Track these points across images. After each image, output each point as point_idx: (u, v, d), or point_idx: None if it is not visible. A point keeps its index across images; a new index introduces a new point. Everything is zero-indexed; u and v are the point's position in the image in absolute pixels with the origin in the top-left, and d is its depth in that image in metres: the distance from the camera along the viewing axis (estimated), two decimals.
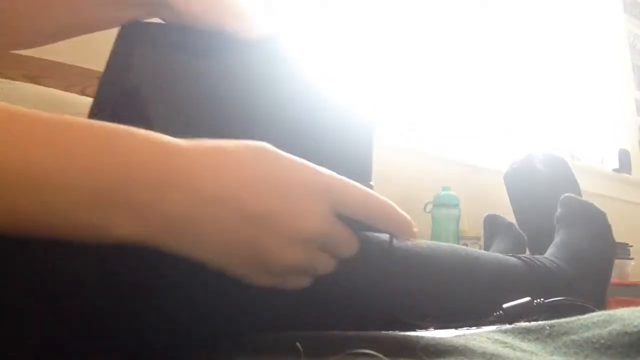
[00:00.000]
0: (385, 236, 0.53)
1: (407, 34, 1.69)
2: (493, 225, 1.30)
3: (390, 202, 0.39)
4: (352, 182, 0.38)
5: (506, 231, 1.26)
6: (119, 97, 0.50)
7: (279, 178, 0.35)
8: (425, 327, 0.45)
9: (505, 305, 0.51)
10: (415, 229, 0.40)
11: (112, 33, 0.54)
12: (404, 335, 0.34)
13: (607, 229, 0.88)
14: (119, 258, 0.38)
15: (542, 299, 0.53)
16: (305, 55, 0.57)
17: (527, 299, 0.52)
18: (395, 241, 0.52)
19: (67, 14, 0.53)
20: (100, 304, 0.38)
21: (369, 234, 0.53)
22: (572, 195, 0.97)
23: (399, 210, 0.39)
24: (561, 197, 0.96)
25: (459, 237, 1.37)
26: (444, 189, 1.40)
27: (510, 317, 0.50)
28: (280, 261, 0.35)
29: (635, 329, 0.27)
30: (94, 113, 0.48)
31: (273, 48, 0.55)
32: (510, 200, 1.39)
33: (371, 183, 0.51)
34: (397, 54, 1.65)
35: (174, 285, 0.40)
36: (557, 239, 0.89)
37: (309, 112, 0.54)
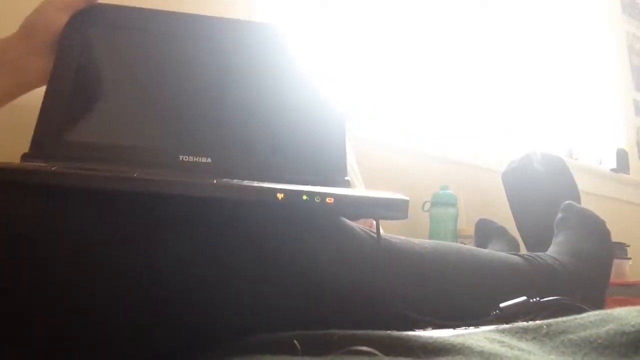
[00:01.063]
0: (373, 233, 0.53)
1: (406, 34, 1.69)
2: (485, 229, 1.30)
3: None
4: None
5: (499, 235, 1.27)
6: (75, 72, 0.53)
7: None
8: (424, 327, 0.45)
9: (502, 305, 0.52)
10: None
11: None
12: (402, 333, 0.34)
13: (606, 234, 0.89)
14: (119, 257, 0.38)
15: (538, 298, 0.53)
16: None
17: (523, 298, 0.53)
18: (382, 235, 0.52)
19: None
20: (100, 304, 0.38)
21: (358, 230, 0.53)
22: (573, 202, 0.99)
23: None
24: (562, 204, 0.98)
25: (457, 236, 1.38)
26: (442, 187, 1.40)
27: (507, 316, 0.50)
28: None
29: (632, 329, 0.27)
30: (54, 80, 0.53)
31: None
32: (508, 199, 1.39)
33: (347, 178, 0.51)
34: (396, 54, 1.65)
35: (173, 285, 0.40)
36: (558, 239, 0.90)
37: (282, 108, 0.55)
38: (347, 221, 0.53)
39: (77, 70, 0.54)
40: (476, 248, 0.70)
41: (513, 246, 1.24)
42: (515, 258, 0.71)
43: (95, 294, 0.38)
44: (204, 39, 0.58)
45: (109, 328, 0.39)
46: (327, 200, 0.41)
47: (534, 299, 0.53)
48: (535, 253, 0.77)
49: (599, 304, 0.79)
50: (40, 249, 0.37)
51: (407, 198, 0.44)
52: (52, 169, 0.40)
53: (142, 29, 0.58)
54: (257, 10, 1.25)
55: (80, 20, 0.57)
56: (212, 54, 0.57)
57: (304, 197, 0.40)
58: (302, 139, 0.54)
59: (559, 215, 0.97)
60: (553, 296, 0.58)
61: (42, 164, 0.43)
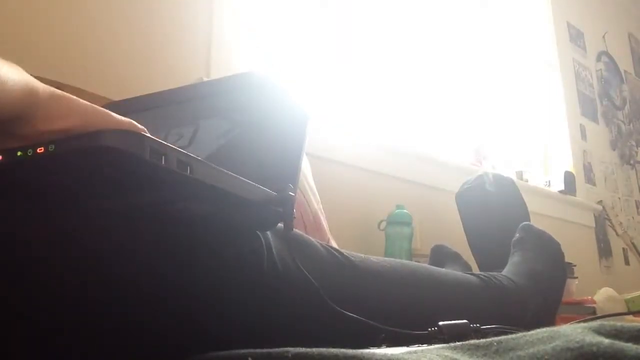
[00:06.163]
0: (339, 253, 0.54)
1: (364, 48, 1.72)
2: (440, 254, 1.33)
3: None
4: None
5: (453, 259, 1.29)
6: None
7: None
8: (378, 345, 0.45)
9: (441, 323, 0.52)
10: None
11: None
12: (356, 351, 0.34)
13: (561, 257, 0.93)
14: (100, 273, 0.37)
15: (478, 325, 0.53)
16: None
17: (465, 321, 0.53)
18: (342, 252, 0.52)
19: None
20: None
21: (319, 247, 0.53)
22: (531, 224, 1.02)
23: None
24: (520, 225, 1.01)
25: (411, 255, 1.39)
26: (397, 207, 1.41)
27: (445, 334, 0.50)
28: None
29: (577, 345, 0.28)
30: None
31: None
32: (461, 219, 1.42)
33: (291, 193, 0.47)
34: (359, 69, 1.67)
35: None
36: (514, 259, 0.93)
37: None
38: (309, 237, 0.53)
39: None
40: (433, 267, 0.71)
41: (466, 270, 1.26)
42: (472, 278, 0.72)
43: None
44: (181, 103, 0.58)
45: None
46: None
47: (474, 325, 0.53)
48: (491, 273, 0.78)
49: (550, 323, 0.81)
50: None
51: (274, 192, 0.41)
52: None
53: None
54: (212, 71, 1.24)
55: None
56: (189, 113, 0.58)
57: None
58: (261, 150, 0.53)
59: (517, 235, 1.00)
60: (507, 315, 0.59)
61: None
